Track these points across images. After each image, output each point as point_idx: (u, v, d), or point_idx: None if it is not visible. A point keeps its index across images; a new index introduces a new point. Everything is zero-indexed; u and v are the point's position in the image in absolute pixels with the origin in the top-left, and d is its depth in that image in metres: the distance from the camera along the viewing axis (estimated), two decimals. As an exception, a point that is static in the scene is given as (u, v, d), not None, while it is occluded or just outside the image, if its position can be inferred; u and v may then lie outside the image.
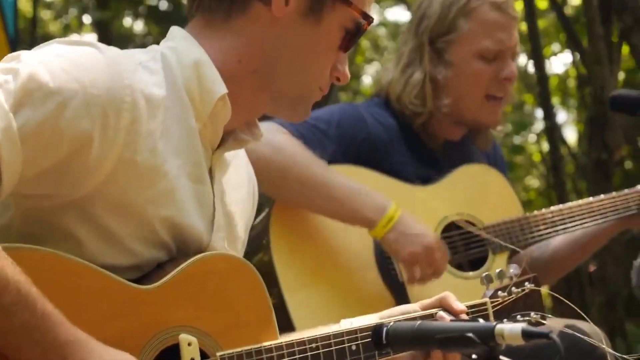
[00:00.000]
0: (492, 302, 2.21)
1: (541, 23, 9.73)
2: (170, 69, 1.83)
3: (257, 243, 2.82)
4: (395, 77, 3.06)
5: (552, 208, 3.06)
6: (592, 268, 4.91)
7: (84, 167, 1.68)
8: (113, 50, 1.77)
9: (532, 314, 2.25)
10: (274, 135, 2.78)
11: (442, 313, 2.10)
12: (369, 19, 1.91)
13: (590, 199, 3.09)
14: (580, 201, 3.09)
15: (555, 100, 10.95)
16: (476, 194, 3.05)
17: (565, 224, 3.03)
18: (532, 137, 10.60)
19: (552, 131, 5.53)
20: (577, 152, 7.62)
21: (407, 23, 3.17)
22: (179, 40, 1.89)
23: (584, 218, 3.04)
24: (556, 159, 5.60)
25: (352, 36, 1.91)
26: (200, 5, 1.90)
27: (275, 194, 2.83)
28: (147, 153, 1.74)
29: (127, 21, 10.50)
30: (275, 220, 2.82)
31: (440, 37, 3.01)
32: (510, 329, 1.65)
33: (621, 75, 9.64)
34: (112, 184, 1.72)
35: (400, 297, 2.82)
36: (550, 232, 3.02)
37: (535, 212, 3.04)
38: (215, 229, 1.91)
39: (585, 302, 5.30)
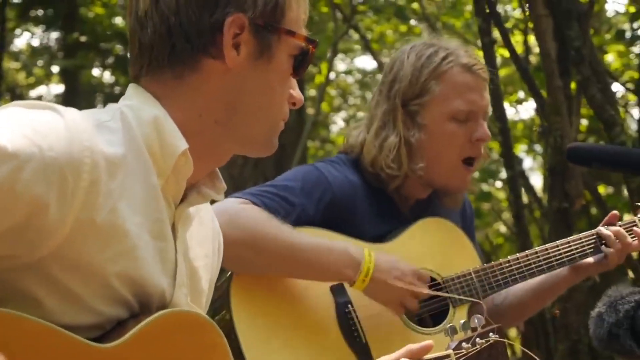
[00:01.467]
0: (456, 354, 2.23)
1: (507, 70, 9.91)
2: (130, 127, 1.84)
3: (221, 301, 2.82)
4: (369, 140, 3.06)
5: (510, 257, 3.09)
6: (556, 313, 4.94)
7: (42, 230, 1.68)
8: (72, 112, 1.78)
9: (497, 364, 2.28)
10: (237, 209, 2.79)
11: None
12: (313, 43, 1.95)
13: (546, 245, 3.12)
14: (537, 248, 3.12)
15: (522, 146, 11.09)
16: (434, 247, 3.07)
17: (522, 272, 3.05)
18: (498, 184, 10.71)
19: (514, 180, 5.59)
20: (542, 198, 7.69)
21: (378, 85, 3.18)
22: (137, 98, 1.90)
23: (541, 265, 3.07)
24: (518, 208, 5.65)
25: (301, 62, 1.94)
26: (149, 68, 1.91)
27: (244, 270, 2.82)
28: (106, 213, 1.75)
29: (95, 71, 10.53)
30: (236, 281, 2.81)
31: (412, 99, 3.03)
32: None
33: (585, 122, 9.81)
34: (71, 245, 1.72)
35: (364, 357, 2.83)
36: (508, 282, 3.04)
37: (493, 263, 3.06)
38: (177, 285, 1.91)
39: (550, 350, 5.34)
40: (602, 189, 9.79)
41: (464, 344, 2.22)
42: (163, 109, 1.88)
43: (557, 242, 3.13)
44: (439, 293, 2.90)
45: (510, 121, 11.24)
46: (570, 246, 3.11)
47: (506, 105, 10.45)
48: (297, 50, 1.94)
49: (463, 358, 2.21)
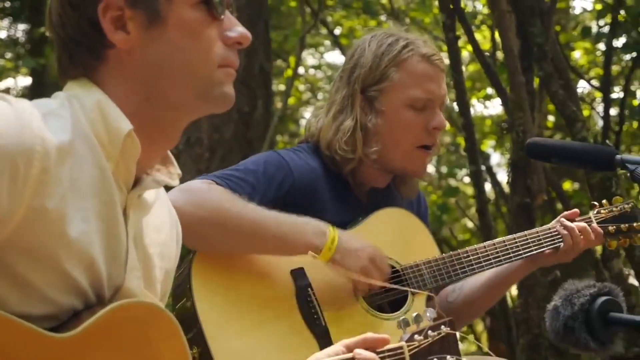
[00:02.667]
0: (408, 346, 2.26)
1: (476, 66, 9.96)
2: (76, 113, 1.86)
3: (182, 289, 2.83)
4: (327, 124, 3.11)
5: (468, 248, 3.13)
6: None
7: None
8: (21, 102, 1.79)
9: (448, 357, 2.30)
10: (200, 189, 2.81)
11: (359, 351, 2.16)
12: None
13: (504, 238, 3.18)
14: (494, 240, 3.17)
15: (489, 142, 11.15)
16: (394, 236, 3.10)
17: (480, 263, 3.10)
18: (466, 179, 10.77)
19: (478, 175, 5.63)
20: (509, 193, 7.74)
21: (339, 72, 3.22)
22: (77, 86, 1.92)
23: (499, 257, 3.12)
24: (482, 203, 5.70)
25: (211, 3, 1.91)
26: (67, 72, 1.95)
27: (210, 247, 2.84)
28: (57, 199, 1.76)
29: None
30: (196, 267, 2.82)
31: (371, 85, 3.08)
32: None
33: (552, 118, 9.89)
34: (24, 232, 1.73)
35: (324, 341, 2.85)
36: (466, 272, 3.09)
37: (452, 252, 3.11)
38: (128, 269, 1.92)
39: (513, 344, 5.39)
40: (567, 185, 9.87)
41: (416, 336, 2.25)
42: (104, 94, 1.89)
43: (514, 235, 3.19)
44: (394, 286, 2.93)
45: (478, 117, 11.34)
46: (527, 239, 3.16)
47: (474, 101, 10.55)
48: None
49: (415, 350, 2.24)
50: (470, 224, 11.15)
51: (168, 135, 1.97)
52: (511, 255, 3.13)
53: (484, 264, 3.10)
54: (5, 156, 1.69)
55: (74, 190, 1.79)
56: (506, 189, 7.31)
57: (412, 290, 2.97)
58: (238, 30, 1.95)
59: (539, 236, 3.17)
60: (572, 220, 3.19)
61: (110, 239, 1.88)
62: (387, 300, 3.03)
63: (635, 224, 3.29)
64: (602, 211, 3.28)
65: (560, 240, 3.15)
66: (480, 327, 10.37)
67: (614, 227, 3.26)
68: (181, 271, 2.85)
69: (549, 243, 3.16)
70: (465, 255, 3.10)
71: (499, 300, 6.16)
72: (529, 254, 3.14)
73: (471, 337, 9.13)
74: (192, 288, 2.78)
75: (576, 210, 3.26)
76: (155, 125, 1.93)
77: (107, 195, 1.86)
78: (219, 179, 2.88)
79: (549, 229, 3.19)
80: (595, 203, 3.32)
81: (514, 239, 3.16)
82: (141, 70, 1.90)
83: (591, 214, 3.26)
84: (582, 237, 3.15)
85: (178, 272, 2.89)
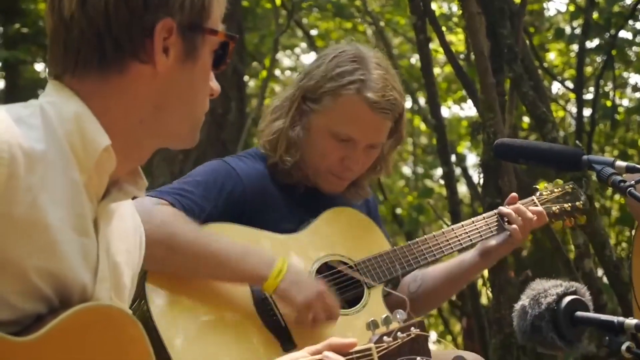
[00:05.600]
0: (377, 347, 2.26)
1: (451, 68, 9.98)
2: (50, 123, 1.83)
3: (137, 293, 2.81)
4: (265, 114, 3.18)
5: (418, 239, 3.18)
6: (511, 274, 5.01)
7: None
8: None
9: (418, 358, 2.31)
10: (152, 209, 2.79)
11: (327, 354, 2.16)
12: (233, 39, 1.98)
13: (453, 226, 3.25)
14: (444, 229, 3.23)
15: (465, 144, 11.18)
16: (345, 234, 3.12)
17: (431, 252, 3.15)
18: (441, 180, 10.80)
19: (450, 176, 5.65)
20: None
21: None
22: (57, 95, 1.89)
23: (449, 245, 3.18)
24: (454, 204, 5.71)
25: (221, 56, 1.98)
26: (75, 69, 1.89)
27: (157, 268, 2.82)
28: (25, 207, 1.74)
29: (38, 67, 10.43)
30: (151, 279, 2.82)
31: (308, 101, 3.08)
32: None
33: (527, 119, 9.92)
34: None
35: (286, 341, 2.87)
36: (418, 261, 3.13)
37: (402, 245, 3.15)
38: (98, 280, 1.91)
39: (486, 343, 5.41)
40: (541, 187, 9.92)
41: (385, 338, 2.25)
42: (85, 106, 1.87)
43: (461, 222, 3.26)
44: (354, 272, 2.94)
45: (455, 118, 11.38)
46: (474, 226, 3.23)
47: (450, 103, 10.58)
48: (218, 45, 1.97)
49: (384, 351, 2.24)
50: (445, 226, 11.18)
51: (143, 155, 1.99)
52: (461, 242, 3.18)
53: (435, 253, 3.15)
54: None
55: (46, 198, 1.78)
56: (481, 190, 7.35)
57: (368, 281, 2.97)
58: (215, 83, 2.02)
59: (485, 220, 3.24)
60: (514, 203, 3.24)
61: (82, 251, 1.87)
62: (344, 296, 3.04)
63: (577, 203, 3.35)
64: (544, 193, 3.35)
65: (506, 221, 3.20)
66: (457, 327, 10.41)
67: (558, 207, 3.33)
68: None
69: (496, 226, 3.22)
70: (415, 245, 3.14)
71: (473, 300, 6.21)
72: (479, 239, 3.20)
73: (449, 337, 9.16)
74: (147, 295, 2.78)
75: (514, 194, 3.31)
76: (136, 145, 1.94)
77: (79, 206, 1.85)
78: (170, 197, 2.87)
79: (494, 214, 3.25)
80: (537, 187, 3.39)
81: (462, 226, 3.22)
82: (156, 95, 1.91)
83: (534, 197, 3.32)
84: (525, 217, 3.20)
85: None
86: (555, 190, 3.36)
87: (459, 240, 3.19)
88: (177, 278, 2.84)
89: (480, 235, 3.21)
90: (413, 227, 8.60)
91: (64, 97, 1.89)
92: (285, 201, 3.07)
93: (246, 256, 2.84)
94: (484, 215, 3.27)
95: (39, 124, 1.82)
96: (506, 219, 3.21)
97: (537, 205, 3.27)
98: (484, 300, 7.16)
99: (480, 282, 6.94)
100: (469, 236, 3.20)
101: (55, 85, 1.92)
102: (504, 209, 3.22)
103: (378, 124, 3.06)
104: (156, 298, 2.79)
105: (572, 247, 5.01)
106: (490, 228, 3.23)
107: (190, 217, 2.85)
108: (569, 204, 3.34)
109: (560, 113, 9.31)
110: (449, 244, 3.18)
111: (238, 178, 2.99)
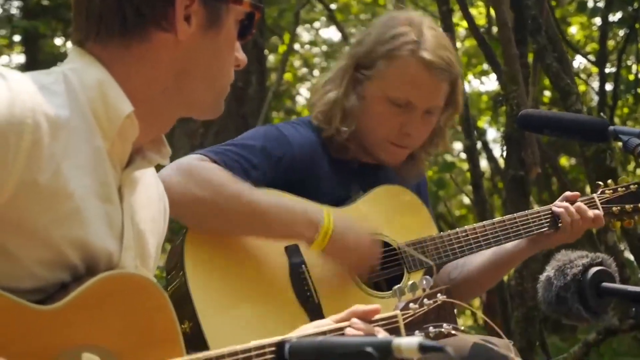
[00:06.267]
0: (403, 315, 2.25)
1: (472, 42, 9.93)
2: (73, 90, 1.83)
3: (174, 264, 2.81)
4: (317, 87, 3.11)
5: (467, 227, 3.09)
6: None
7: None
8: (14, 74, 1.77)
9: (445, 325, 2.29)
10: (197, 166, 2.76)
11: (355, 320, 2.15)
12: (258, 8, 1.98)
13: (504, 217, 3.13)
14: (494, 219, 3.12)
15: (485, 118, 11.14)
16: (391, 214, 3.06)
17: (479, 242, 3.06)
18: (463, 155, 10.76)
19: (473, 149, 5.62)
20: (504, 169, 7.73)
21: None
22: (80, 62, 1.89)
23: (498, 236, 3.08)
24: (477, 177, 5.69)
25: (246, 27, 1.98)
26: (97, 36, 1.89)
27: (203, 226, 2.80)
28: (50, 174, 1.74)
29: (57, 41, 10.44)
30: (189, 243, 2.79)
31: (362, 68, 3.03)
32: (407, 343, 1.65)
33: (548, 93, 9.87)
34: (13, 207, 1.71)
35: (316, 317, 2.82)
36: (464, 250, 3.04)
37: (449, 231, 3.06)
38: (124, 248, 1.91)
39: (508, 317, 5.39)
40: (564, 161, 9.87)
41: (411, 305, 2.24)
42: (107, 73, 1.88)
43: (514, 214, 3.14)
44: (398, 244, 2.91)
45: (475, 93, 11.32)
46: (527, 218, 3.12)
47: (471, 77, 10.53)
48: (243, 15, 1.96)
49: (410, 318, 2.23)
50: (466, 200, 11.15)
51: (166, 123, 1.99)
52: (511, 234, 3.09)
53: (482, 244, 3.07)
54: None
55: (70, 165, 1.78)
56: (502, 164, 7.32)
57: (420, 257, 2.94)
58: (242, 53, 2.01)
59: (539, 216, 3.13)
60: (573, 202, 3.15)
61: (107, 218, 1.87)
62: (383, 277, 3.00)
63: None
64: (606, 191, 3.23)
65: (560, 220, 3.11)
66: (476, 303, 10.39)
67: (618, 207, 3.22)
68: (174, 246, 2.83)
69: (548, 223, 3.13)
70: (464, 234, 3.05)
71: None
72: (529, 234, 3.11)
73: (468, 313, 9.15)
74: (185, 263, 2.75)
75: (577, 193, 3.21)
76: (159, 113, 1.94)
77: (103, 174, 1.85)
78: (215, 155, 2.83)
79: (549, 209, 3.15)
80: (600, 183, 3.26)
81: (514, 217, 3.12)
82: (178, 63, 1.91)
83: (595, 194, 3.21)
84: (580, 218, 3.10)
85: (171, 246, 2.88)
86: (619, 189, 3.23)
87: (507, 233, 3.08)
88: (215, 245, 2.81)
89: (532, 231, 3.11)
90: (433, 202, 8.57)
91: (86, 63, 1.89)
92: (336, 174, 3.02)
93: (292, 215, 2.80)
94: (539, 209, 3.16)
95: (62, 91, 1.82)
96: (559, 218, 3.11)
97: (596, 206, 3.16)
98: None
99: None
100: (519, 231, 3.09)
101: (78, 51, 1.92)
102: (556, 208, 3.12)
103: (435, 86, 3.00)
104: (192, 265, 2.76)
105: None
106: (542, 223, 3.12)
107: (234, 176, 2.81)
108: (631, 205, 3.22)
109: (582, 87, 9.25)
110: (498, 236, 3.07)
111: (289, 145, 2.94)
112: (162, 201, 2.14)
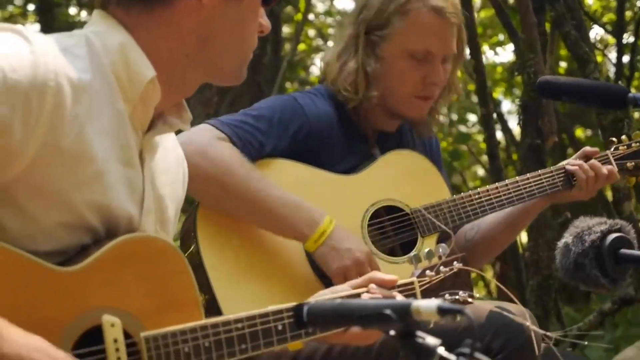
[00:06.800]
0: (419, 282, 2.25)
1: (487, 12, 9.86)
2: (95, 53, 1.83)
3: (187, 234, 2.80)
4: (331, 61, 3.09)
5: (480, 189, 3.09)
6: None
7: (7, 153, 1.68)
8: (38, 37, 1.76)
9: (461, 292, 2.30)
10: (209, 144, 2.77)
11: (373, 285, 2.15)
12: None
13: (517, 178, 3.12)
14: (507, 180, 3.12)
15: (500, 90, 11.08)
16: (404, 179, 3.06)
17: (492, 204, 3.06)
18: (477, 127, 10.72)
19: (488, 118, 5.59)
20: (519, 140, 7.70)
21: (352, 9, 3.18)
22: (103, 25, 1.89)
23: (512, 198, 3.08)
24: (492, 146, 5.67)
25: None
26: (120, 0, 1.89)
27: (209, 204, 2.81)
28: (72, 137, 1.74)
29: (72, 10, 10.42)
30: (202, 214, 2.80)
31: (375, 30, 3.02)
32: (426, 305, 1.65)
33: (563, 64, 9.80)
34: (36, 170, 1.71)
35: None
36: (478, 213, 3.05)
37: (462, 194, 3.06)
38: (145, 212, 1.92)
39: (523, 286, 5.39)
40: (580, 132, 9.82)
41: (427, 272, 2.24)
42: (130, 36, 1.88)
43: (527, 174, 3.14)
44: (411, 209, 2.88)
45: (490, 64, 11.25)
46: (540, 178, 3.12)
47: (485, 48, 10.46)
48: None
49: (426, 285, 2.23)
50: (480, 172, 11.12)
51: (188, 89, 1.98)
52: (524, 195, 3.09)
53: (496, 205, 3.07)
54: (18, 91, 1.67)
55: (92, 129, 1.78)
56: (517, 136, 7.29)
57: (434, 220, 2.92)
58: (266, 19, 2.01)
59: (552, 175, 3.13)
60: (589, 157, 3.15)
61: (128, 182, 1.87)
62: (398, 243, 3.00)
63: None
64: (620, 147, 3.22)
65: (575, 178, 3.11)
66: (490, 273, 10.38)
67: (633, 163, 3.21)
68: (187, 216, 2.84)
69: (562, 182, 3.13)
70: (477, 196, 3.06)
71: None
72: (542, 193, 3.11)
73: (481, 284, 9.14)
74: (198, 235, 2.76)
75: (596, 148, 3.21)
76: (181, 79, 1.94)
77: (124, 137, 1.85)
78: (229, 129, 2.83)
79: (562, 168, 3.14)
80: (614, 139, 3.25)
81: (527, 178, 3.12)
82: (201, 29, 1.91)
83: (608, 151, 3.20)
84: (594, 175, 3.10)
85: (185, 216, 2.88)
86: (634, 145, 3.22)
87: (521, 193, 3.08)
88: (229, 218, 2.82)
89: (545, 189, 3.11)
90: (448, 173, 8.54)
91: (109, 26, 1.88)
92: (349, 144, 3.02)
93: (294, 211, 2.79)
94: (552, 168, 3.16)
95: (85, 54, 1.82)
96: (574, 176, 3.11)
97: (610, 162, 3.16)
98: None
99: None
100: (532, 190, 3.09)
101: (101, 14, 1.91)
102: (570, 166, 3.11)
103: (449, 31, 3.02)
104: (206, 235, 2.77)
105: (611, 190, 4.96)
106: (555, 182, 3.12)
107: (248, 151, 2.82)
108: None
109: (599, 58, 9.18)
110: (510, 196, 3.07)
111: (305, 117, 2.94)
112: (180, 167, 2.14)
